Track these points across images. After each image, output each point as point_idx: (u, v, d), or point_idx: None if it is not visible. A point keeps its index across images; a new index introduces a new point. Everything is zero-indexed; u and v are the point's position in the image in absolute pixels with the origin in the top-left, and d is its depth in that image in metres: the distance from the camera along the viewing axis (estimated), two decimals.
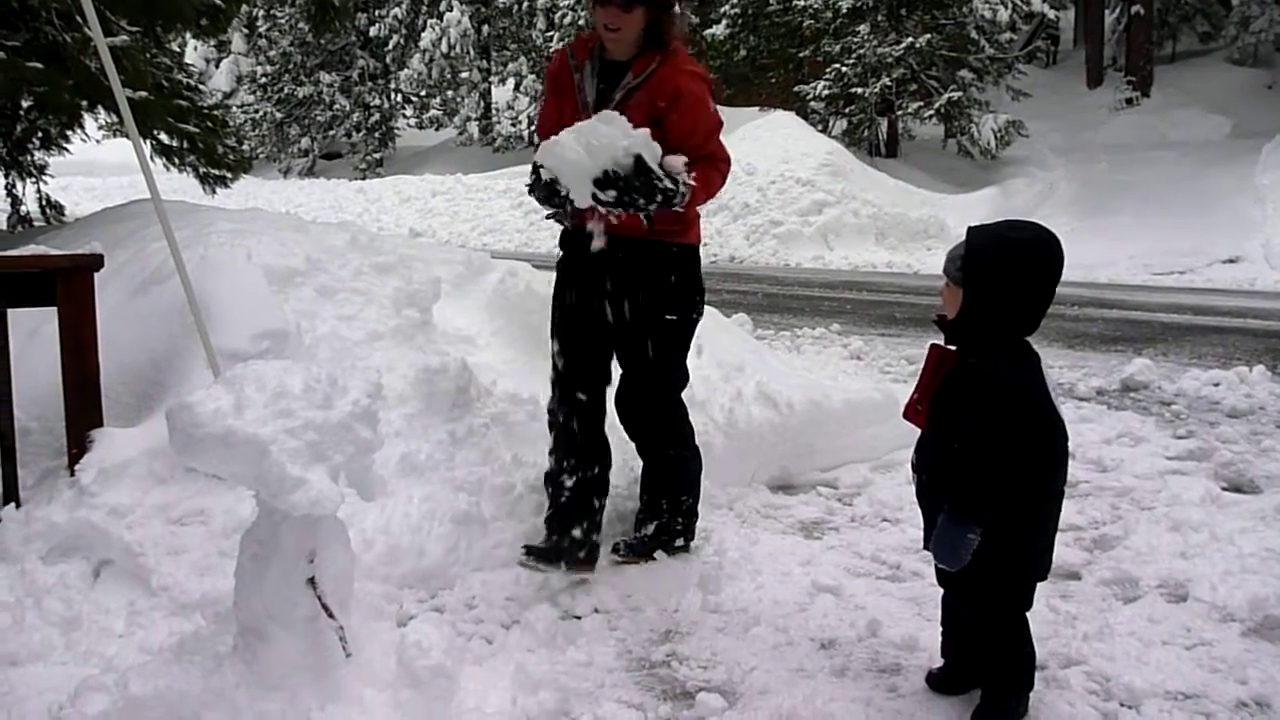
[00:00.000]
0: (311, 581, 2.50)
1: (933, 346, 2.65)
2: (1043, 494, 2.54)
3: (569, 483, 3.59)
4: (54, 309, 3.55)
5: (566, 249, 3.66)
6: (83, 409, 3.58)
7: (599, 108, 3.33)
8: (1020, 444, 2.42)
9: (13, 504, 3.49)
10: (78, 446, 3.55)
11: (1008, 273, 2.46)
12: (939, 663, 2.88)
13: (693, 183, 3.23)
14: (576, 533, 3.52)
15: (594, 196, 3.08)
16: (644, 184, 3.08)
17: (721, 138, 3.52)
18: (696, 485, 3.81)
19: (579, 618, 3.30)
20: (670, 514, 3.74)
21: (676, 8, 3.35)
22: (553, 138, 3.11)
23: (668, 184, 3.13)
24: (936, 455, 2.56)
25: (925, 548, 2.71)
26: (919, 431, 2.72)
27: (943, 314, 2.61)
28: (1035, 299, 2.49)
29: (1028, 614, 2.67)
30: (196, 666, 2.47)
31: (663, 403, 3.69)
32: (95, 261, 3.60)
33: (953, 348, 2.60)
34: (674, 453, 3.74)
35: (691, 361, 4.05)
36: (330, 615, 2.51)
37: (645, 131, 3.13)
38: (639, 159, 3.08)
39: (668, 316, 3.53)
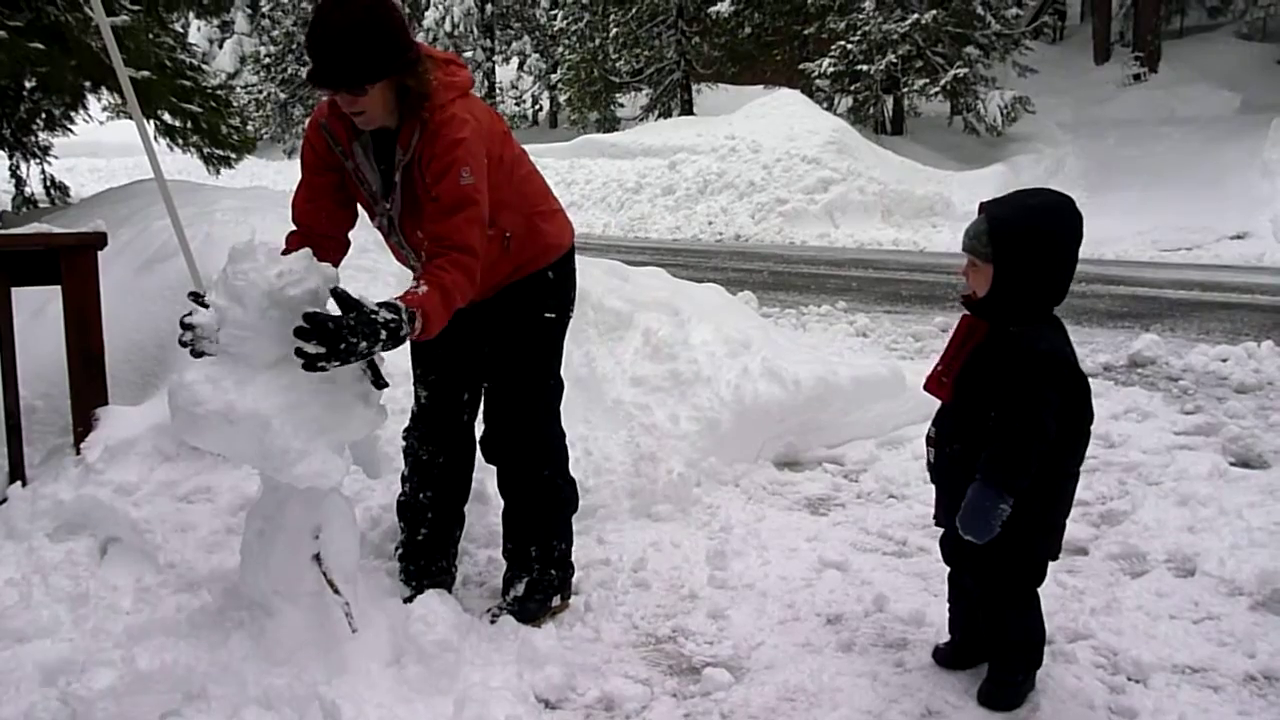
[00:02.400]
0: (317, 557, 2.50)
1: (964, 317, 2.61)
2: (1064, 470, 2.53)
3: (427, 519, 3.20)
4: (58, 287, 3.54)
5: None
6: (88, 387, 3.58)
7: (388, 195, 2.80)
8: (1061, 415, 2.42)
9: (19, 482, 3.49)
10: (83, 424, 3.55)
11: (1038, 241, 2.45)
12: (946, 638, 2.88)
13: (419, 301, 2.46)
14: (440, 564, 3.25)
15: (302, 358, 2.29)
16: (359, 320, 2.31)
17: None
18: (569, 528, 3.26)
19: (585, 593, 3.29)
20: (542, 565, 3.17)
21: (420, 65, 2.66)
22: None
23: (385, 314, 2.35)
24: (969, 426, 2.53)
25: (937, 522, 2.70)
26: (930, 407, 2.70)
27: (967, 294, 2.58)
28: (1065, 265, 2.48)
29: (1038, 590, 2.66)
30: (203, 641, 2.48)
31: (536, 414, 3.15)
32: (99, 239, 3.59)
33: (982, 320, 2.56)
34: (548, 474, 3.18)
35: (699, 337, 4.00)
36: (335, 591, 2.51)
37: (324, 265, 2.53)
38: (339, 291, 2.38)
39: (546, 315, 3.08)
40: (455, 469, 3.23)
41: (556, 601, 3.19)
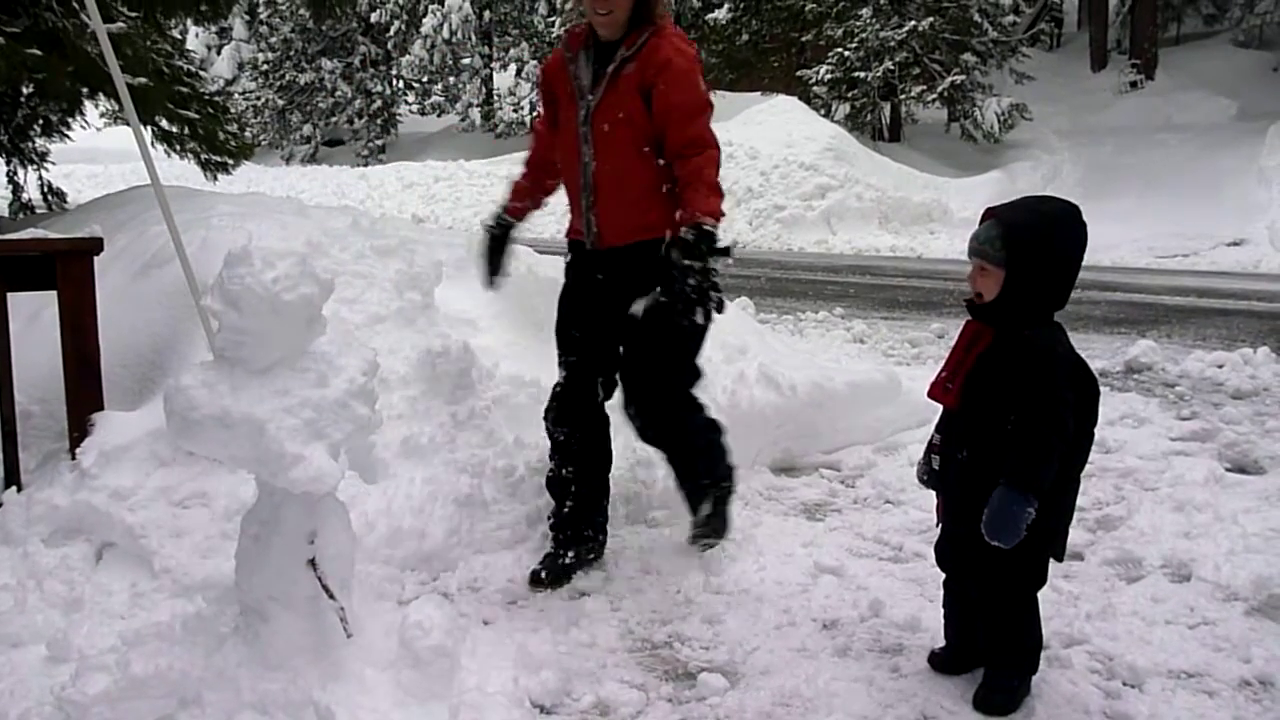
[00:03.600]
0: (312, 562, 2.50)
1: (968, 323, 2.62)
2: (1069, 473, 2.54)
3: (573, 490, 3.53)
4: (54, 292, 3.54)
5: (573, 254, 3.56)
6: (84, 392, 3.58)
7: (594, 88, 3.27)
8: (1077, 416, 2.43)
9: (14, 487, 3.49)
10: (79, 429, 3.55)
11: (1052, 246, 2.47)
12: (941, 643, 2.87)
13: (696, 210, 3.08)
14: (588, 533, 3.53)
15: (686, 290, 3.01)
16: (701, 271, 3.01)
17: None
18: (724, 450, 3.67)
19: (581, 598, 3.29)
20: (711, 484, 3.64)
21: None
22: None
23: (707, 225, 3.05)
24: (982, 431, 2.52)
25: (941, 527, 2.70)
26: (927, 413, 2.70)
27: (970, 298, 2.58)
28: (1074, 270, 2.50)
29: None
30: (198, 646, 2.48)
31: (681, 401, 3.52)
32: (95, 245, 3.60)
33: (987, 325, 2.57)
34: (701, 444, 3.61)
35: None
36: (330, 596, 2.51)
37: None
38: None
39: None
40: (593, 445, 3.56)
41: (733, 508, 3.74)
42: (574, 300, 3.53)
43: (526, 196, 3.63)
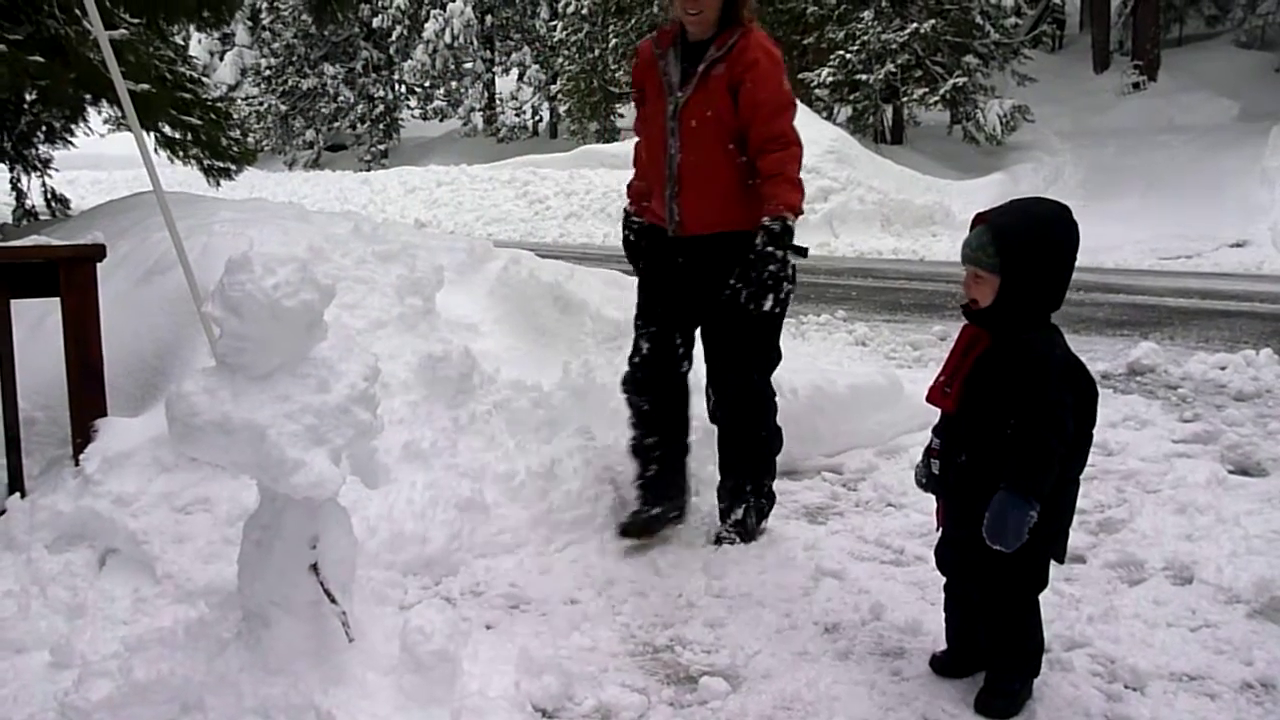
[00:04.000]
0: (314, 567, 2.50)
1: (965, 327, 2.62)
2: (1069, 475, 2.54)
3: (656, 455, 3.77)
4: (57, 299, 3.56)
5: (647, 240, 3.80)
6: (87, 398, 3.59)
7: (683, 85, 3.49)
8: (1076, 418, 2.44)
9: (18, 493, 3.50)
10: (82, 436, 3.56)
11: (1045, 250, 2.47)
12: (943, 646, 2.87)
13: (782, 204, 3.39)
14: (672, 493, 3.78)
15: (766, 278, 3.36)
16: (781, 261, 3.38)
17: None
18: (775, 466, 3.84)
19: (583, 602, 3.30)
20: (755, 496, 3.76)
21: None
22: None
23: (781, 248, 3.38)
24: (980, 435, 2.52)
25: (941, 532, 2.70)
26: (929, 416, 2.70)
27: (965, 304, 2.58)
28: (1068, 272, 2.51)
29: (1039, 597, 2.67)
30: (200, 651, 2.48)
31: (762, 384, 3.72)
32: (98, 251, 3.61)
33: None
34: (764, 434, 3.76)
35: (696, 347, 4.08)
36: (332, 600, 2.52)
37: None
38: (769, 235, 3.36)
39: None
40: (673, 412, 3.80)
41: (765, 524, 3.82)
42: (655, 280, 3.77)
43: (645, 196, 3.82)
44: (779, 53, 3.52)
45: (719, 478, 3.83)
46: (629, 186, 3.92)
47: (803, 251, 3.45)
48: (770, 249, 3.33)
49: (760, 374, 3.69)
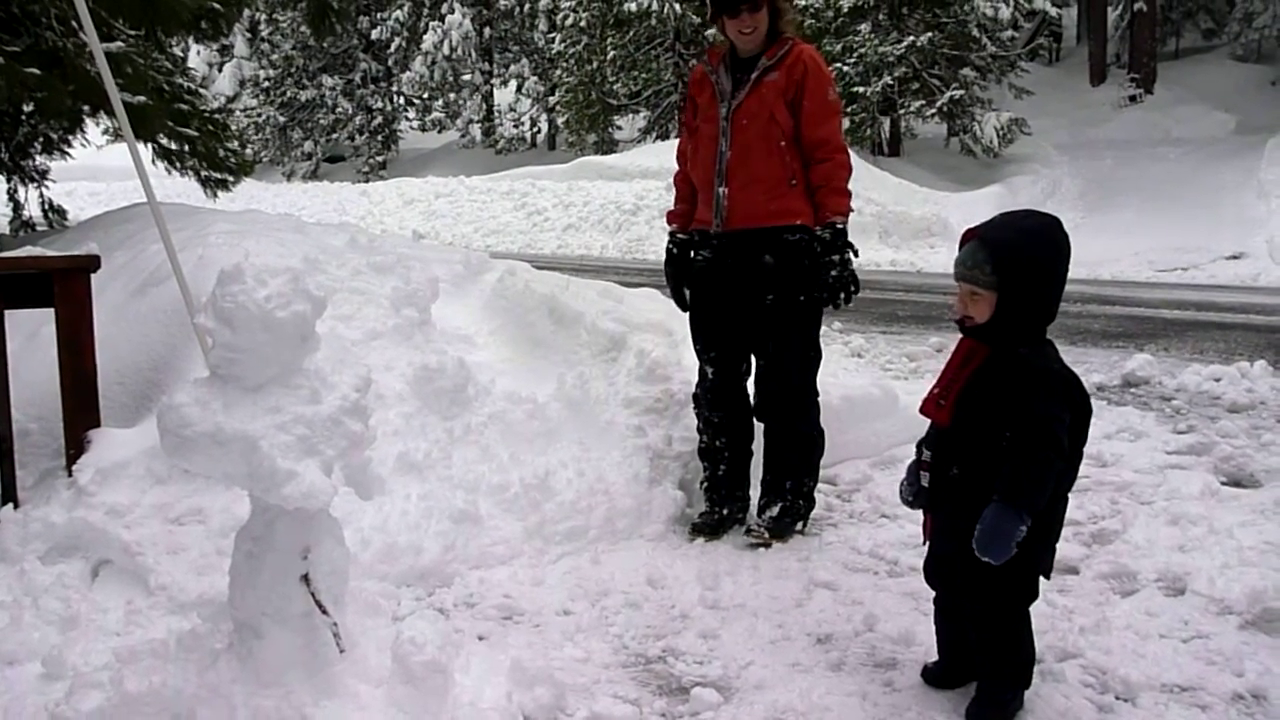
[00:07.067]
0: (305, 578, 2.50)
1: (962, 341, 2.62)
2: (1060, 491, 2.54)
3: (725, 455, 4.03)
4: (52, 310, 3.56)
5: (692, 250, 4.04)
6: (80, 410, 3.60)
7: (736, 91, 3.80)
8: (1070, 434, 2.44)
9: (11, 504, 3.50)
10: (76, 447, 3.57)
11: (1040, 265, 2.47)
12: (935, 657, 2.87)
13: (833, 211, 3.76)
14: (738, 493, 4.05)
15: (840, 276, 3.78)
16: (841, 263, 3.79)
17: None
18: (818, 468, 4.05)
19: (576, 613, 3.30)
20: (793, 496, 3.93)
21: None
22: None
23: (840, 251, 3.78)
24: (973, 448, 2.52)
25: (939, 543, 2.69)
26: (923, 428, 2.69)
27: (959, 320, 2.57)
28: (1062, 285, 2.52)
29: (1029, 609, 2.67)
30: (192, 663, 2.48)
31: (803, 382, 3.92)
32: (92, 263, 3.62)
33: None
34: (806, 430, 3.96)
35: (692, 359, 4.13)
36: (324, 611, 2.52)
37: None
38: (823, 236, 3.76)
39: (801, 297, 3.83)
40: (740, 421, 4.06)
41: (800, 526, 3.96)
42: (706, 304, 4.01)
43: (686, 217, 4.07)
44: (825, 63, 3.85)
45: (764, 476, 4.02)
46: (668, 215, 4.15)
47: (854, 250, 3.81)
48: (830, 257, 3.74)
49: (801, 373, 3.91)
